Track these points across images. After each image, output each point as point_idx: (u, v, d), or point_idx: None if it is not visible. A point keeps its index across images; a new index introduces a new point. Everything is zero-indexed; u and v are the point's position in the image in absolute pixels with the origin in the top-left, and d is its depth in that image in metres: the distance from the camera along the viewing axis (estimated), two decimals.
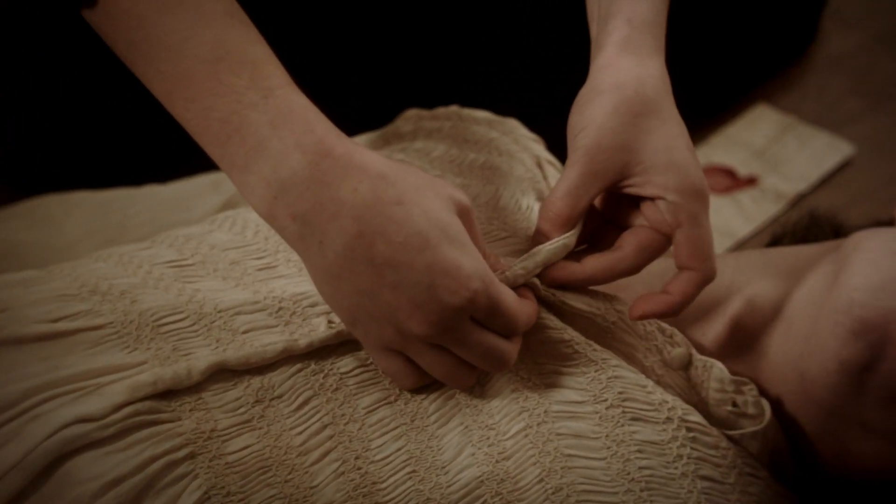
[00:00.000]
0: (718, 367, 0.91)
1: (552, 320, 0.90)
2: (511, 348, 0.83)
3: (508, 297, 0.82)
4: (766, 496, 0.91)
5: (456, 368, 0.83)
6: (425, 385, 0.87)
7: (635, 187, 0.87)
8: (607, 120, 0.85)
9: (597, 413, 0.87)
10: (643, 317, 0.87)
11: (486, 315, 0.80)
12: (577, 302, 0.90)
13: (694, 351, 0.92)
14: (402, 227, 0.77)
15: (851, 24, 1.67)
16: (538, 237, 0.88)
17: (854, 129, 1.55)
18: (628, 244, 0.88)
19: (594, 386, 0.88)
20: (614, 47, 0.89)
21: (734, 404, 0.92)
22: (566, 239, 0.88)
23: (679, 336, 0.92)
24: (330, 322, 0.88)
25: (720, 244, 1.43)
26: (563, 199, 0.87)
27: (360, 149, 0.79)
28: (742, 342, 0.95)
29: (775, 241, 1.13)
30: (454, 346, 0.81)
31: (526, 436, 0.86)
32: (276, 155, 0.77)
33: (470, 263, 0.78)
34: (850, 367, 0.88)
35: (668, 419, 0.88)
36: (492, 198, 0.98)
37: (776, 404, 0.93)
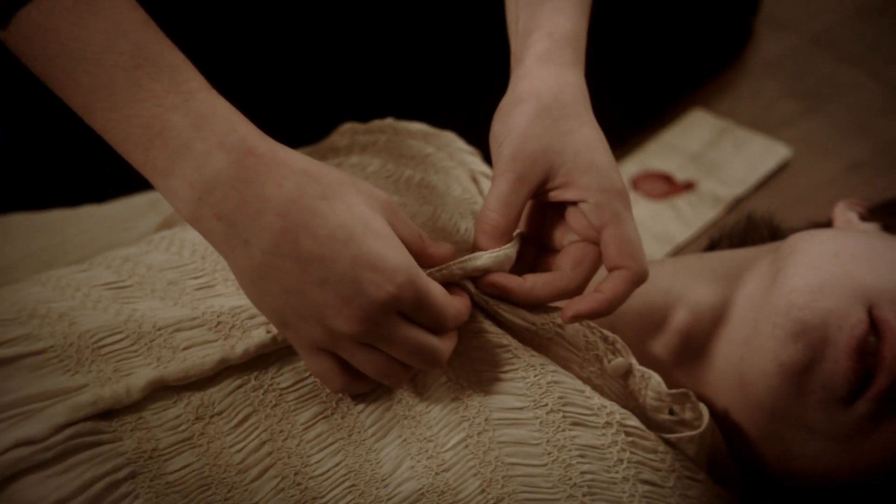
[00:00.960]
0: (656, 380, 0.92)
1: (490, 325, 0.90)
2: (442, 345, 0.82)
3: (436, 290, 0.81)
4: (705, 499, 0.91)
5: (387, 366, 0.82)
6: (362, 397, 0.87)
7: (559, 190, 0.88)
8: (529, 126, 0.87)
9: (537, 418, 0.87)
10: (576, 318, 0.87)
11: (413, 309, 0.80)
12: (511, 315, 0.90)
13: (633, 360, 0.92)
14: (326, 221, 0.77)
15: (785, 27, 1.68)
16: (477, 250, 0.88)
17: (790, 131, 1.56)
18: (564, 263, 0.88)
19: (534, 391, 0.88)
20: (534, 59, 0.90)
21: (671, 412, 0.92)
22: (508, 249, 0.88)
23: (620, 343, 0.92)
24: (268, 330, 0.88)
25: (659, 250, 1.43)
26: (496, 209, 0.87)
27: (282, 147, 0.79)
28: (689, 350, 0.95)
29: (713, 246, 1.14)
30: (382, 343, 0.80)
31: (466, 446, 0.86)
32: (200, 156, 0.76)
33: (395, 256, 0.78)
34: (789, 369, 0.88)
35: (608, 423, 0.88)
36: (429, 218, 0.98)
37: (719, 409, 0.94)
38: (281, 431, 0.86)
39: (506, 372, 0.89)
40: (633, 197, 1.48)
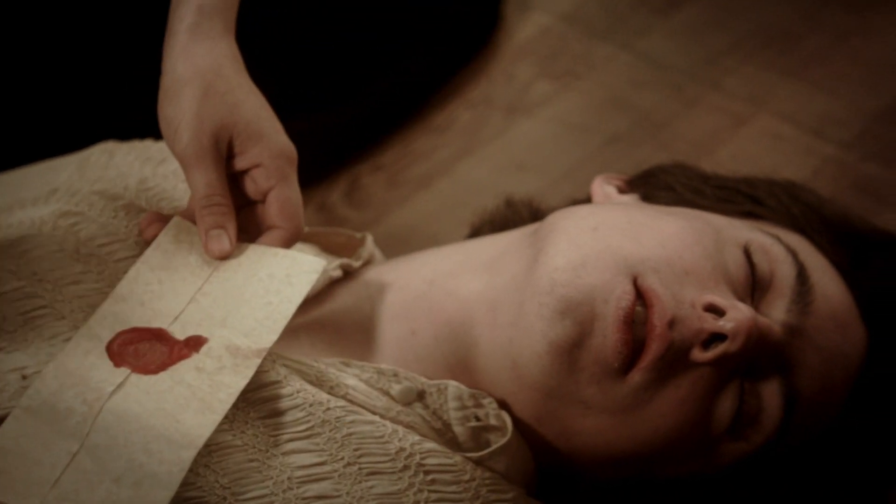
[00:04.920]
0: (453, 386, 0.92)
1: (283, 387, 0.89)
2: None
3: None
4: None
5: None
6: None
7: (236, 159, 0.92)
8: (202, 107, 0.90)
9: (336, 472, 0.87)
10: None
11: None
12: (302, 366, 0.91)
13: (422, 380, 0.92)
14: None
15: (534, 8, 1.69)
16: (215, 248, 0.91)
17: (546, 111, 1.57)
18: (271, 215, 0.92)
19: (330, 446, 0.87)
20: (186, 35, 0.92)
21: (477, 419, 0.92)
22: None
23: (402, 372, 0.92)
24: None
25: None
26: (219, 192, 0.90)
27: None
28: (461, 343, 0.95)
29: (475, 233, 1.13)
30: None
31: (271, 503, 0.85)
32: None
33: None
34: (559, 347, 0.89)
35: (405, 467, 0.88)
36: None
37: (497, 398, 0.93)
38: None
39: (302, 431, 0.88)
40: (122, 370, 0.87)
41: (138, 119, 1.08)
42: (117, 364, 0.85)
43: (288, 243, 0.92)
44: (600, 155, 1.51)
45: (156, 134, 0.96)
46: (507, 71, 1.62)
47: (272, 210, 0.92)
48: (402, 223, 1.45)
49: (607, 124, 1.55)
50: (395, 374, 0.92)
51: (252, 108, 0.91)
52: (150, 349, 0.87)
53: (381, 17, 1.55)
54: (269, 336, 0.88)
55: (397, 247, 1.26)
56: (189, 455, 0.81)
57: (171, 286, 0.90)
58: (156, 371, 0.85)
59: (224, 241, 0.91)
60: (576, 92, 1.60)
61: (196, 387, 0.84)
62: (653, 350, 0.89)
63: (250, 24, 1.01)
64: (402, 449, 0.89)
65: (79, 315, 0.90)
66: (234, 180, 0.93)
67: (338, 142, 1.49)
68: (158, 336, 0.88)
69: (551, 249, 0.92)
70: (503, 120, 1.57)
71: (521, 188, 1.32)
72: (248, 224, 0.93)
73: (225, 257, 0.91)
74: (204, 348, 0.87)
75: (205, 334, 0.88)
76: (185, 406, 0.83)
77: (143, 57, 1.08)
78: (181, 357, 0.86)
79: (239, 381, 0.85)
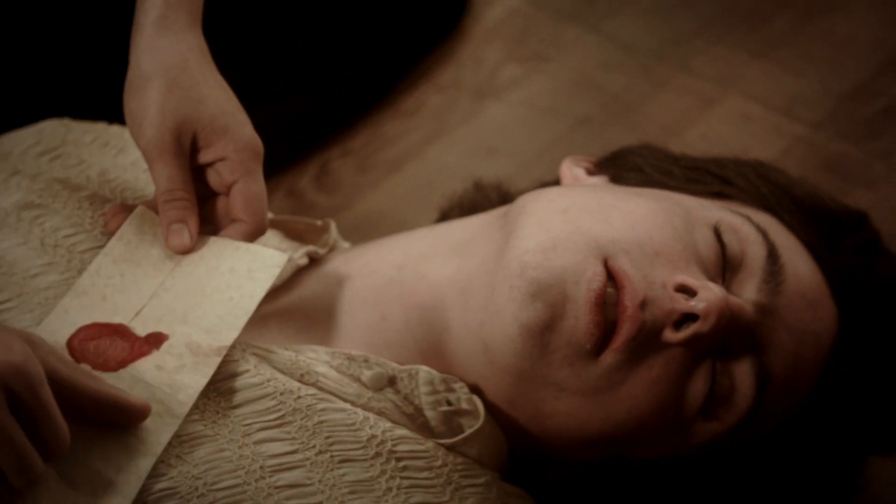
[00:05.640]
0: (424, 371, 0.92)
1: (253, 376, 0.88)
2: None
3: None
4: (487, 503, 0.91)
5: None
6: None
7: (201, 153, 0.92)
8: (165, 102, 0.90)
9: (308, 460, 0.87)
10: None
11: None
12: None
13: (393, 365, 0.92)
14: None
15: None
16: (175, 242, 0.91)
17: (515, 94, 1.57)
18: (235, 209, 0.92)
19: (301, 434, 0.87)
20: (152, 28, 0.92)
21: (448, 403, 0.92)
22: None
23: (372, 357, 0.92)
24: None
25: None
26: (181, 187, 0.91)
27: None
28: (432, 328, 0.95)
29: (444, 217, 1.13)
30: None
31: (244, 492, 0.84)
32: None
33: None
34: (531, 329, 0.89)
35: (377, 454, 0.88)
36: None
37: (469, 383, 0.93)
38: None
39: (273, 420, 0.87)
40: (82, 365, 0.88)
41: (105, 109, 1.08)
42: (77, 361, 0.84)
43: (251, 237, 0.92)
44: (570, 137, 1.50)
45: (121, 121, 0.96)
46: (476, 54, 1.62)
47: (236, 203, 0.92)
48: (372, 208, 1.45)
49: (576, 107, 1.54)
50: (366, 360, 0.92)
51: (217, 102, 0.91)
52: (110, 345, 0.86)
53: (350, 1, 1.54)
54: (229, 333, 0.87)
55: (367, 231, 1.26)
56: (147, 464, 0.81)
57: (133, 279, 0.90)
58: (115, 368, 0.85)
59: (185, 235, 0.91)
60: (544, 75, 1.59)
61: (156, 387, 0.84)
62: (624, 331, 0.89)
63: (218, 9, 1.01)
64: (373, 436, 0.89)
65: (45, 308, 0.89)
66: (198, 173, 0.93)
67: (307, 126, 1.48)
68: (119, 332, 0.87)
69: (521, 232, 0.91)
70: (472, 104, 1.57)
71: (491, 171, 1.32)
72: (212, 216, 0.94)
73: (185, 252, 0.91)
74: (165, 345, 0.87)
75: (166, 331, 0.88)
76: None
77: (111, 46, 1.07)
78: (141, 354, 0.86)
79: (199, 381, 0.85)
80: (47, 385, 0.76)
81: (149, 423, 0.82)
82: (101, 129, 1.06)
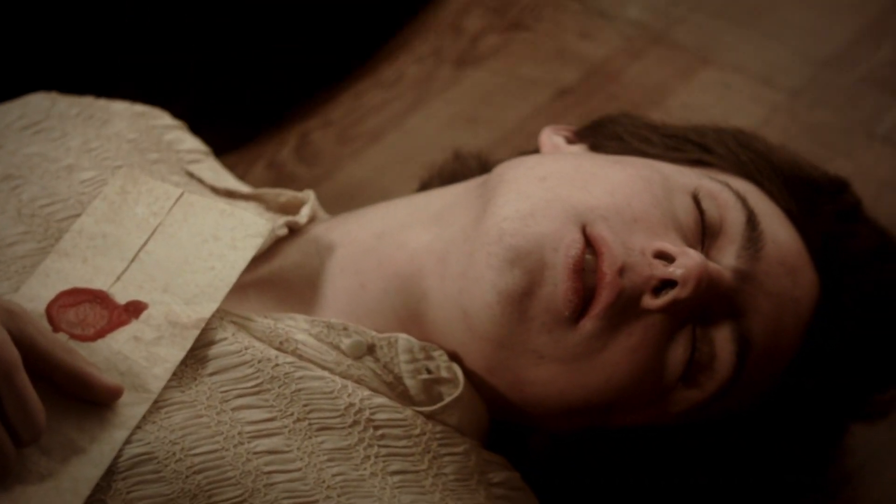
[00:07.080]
0: (404, 339, 0.92)
1: (231, 343, 0.88)
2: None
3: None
4: (465, 471, 0.92)
5: None
6: None
7: None
8: None
9: (286, 427, 0.87)
10: None
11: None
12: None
13: (372, 333, 0.92)
14: None
15: None
16: None
17: (495, 63, 1.56)
18: None
19: (279, 402, 0.87)
20: None
21: (428, 371, 0.92)
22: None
23: (351, 326, 0.92)
24: None
25: None
26: None
27: None
28: (411, 296, 0.94)
29: (424, 186, 1.13)
30: None
31: (222, 458, 0.84)
32: None
33: None
34: (509, 296, 0.89)
35: (355, 422, 0.88)
36: None
37: (449, 351, 0.93)
38: None
39: (250, 388, 0.87)
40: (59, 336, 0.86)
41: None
42: (56, 329, 0.84)
43: None
44: (550, 107, 1.50)
45: None
46: (456, 24, 1.61)
47: None
48: (353, 178, 1.44)
49: (557, 76, 1.54)
50: (345, 328, 0.92)
51: None
52: (90, 312, 0.86)
53: None
54: (209, 305, 0.87)
55: (348, 202, 1.25)
56: (121, 435, 0.81)
57: (115, 240, 0.89)
58: (94, 338, 0.84)
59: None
60: (525, 44, 1.59)
61: (133, 360, 0.84)
62: (603, 298, 0.89)
63: None
64: (351, 404, 0.89)
65: (23, 276, 0.89)
66: None
67: (286, 96, 1.48)
68: (99, 299, 0.87)
69: (500, 199, 0.91)
70: (452, 73, 1.56)
71: (472, 141, 1.33)
72: None
73: None
74: (144, 315, 0.86)
75: (146, 299, 0.87)
76: (120, 382, 0.83)
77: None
78: (120, 324, 0.86)
79: (176, 354, 0.85)
80: (23, 370, 0.77)
81: (124, 395, 0.82)
82: (87, 102, 1.06)
